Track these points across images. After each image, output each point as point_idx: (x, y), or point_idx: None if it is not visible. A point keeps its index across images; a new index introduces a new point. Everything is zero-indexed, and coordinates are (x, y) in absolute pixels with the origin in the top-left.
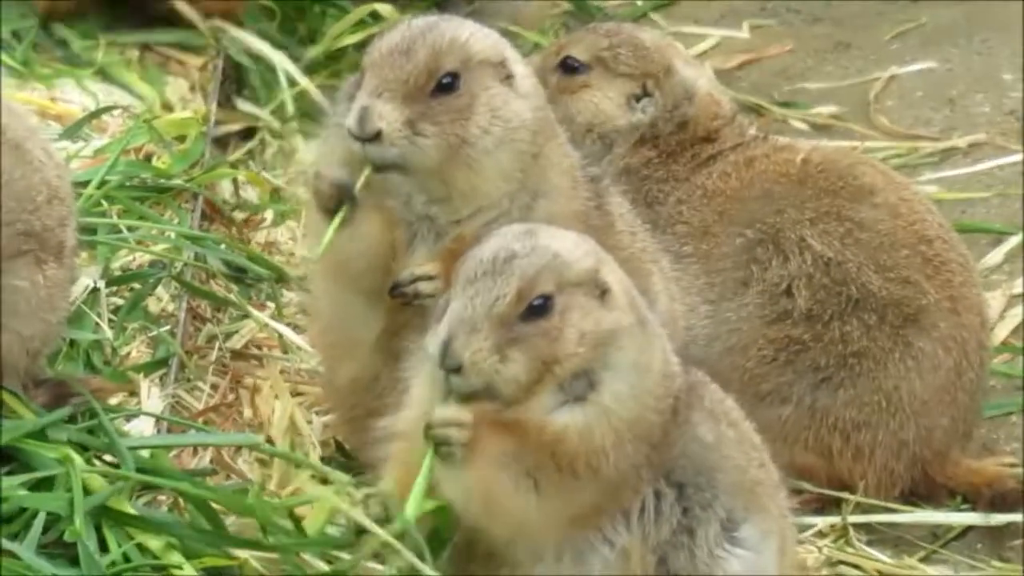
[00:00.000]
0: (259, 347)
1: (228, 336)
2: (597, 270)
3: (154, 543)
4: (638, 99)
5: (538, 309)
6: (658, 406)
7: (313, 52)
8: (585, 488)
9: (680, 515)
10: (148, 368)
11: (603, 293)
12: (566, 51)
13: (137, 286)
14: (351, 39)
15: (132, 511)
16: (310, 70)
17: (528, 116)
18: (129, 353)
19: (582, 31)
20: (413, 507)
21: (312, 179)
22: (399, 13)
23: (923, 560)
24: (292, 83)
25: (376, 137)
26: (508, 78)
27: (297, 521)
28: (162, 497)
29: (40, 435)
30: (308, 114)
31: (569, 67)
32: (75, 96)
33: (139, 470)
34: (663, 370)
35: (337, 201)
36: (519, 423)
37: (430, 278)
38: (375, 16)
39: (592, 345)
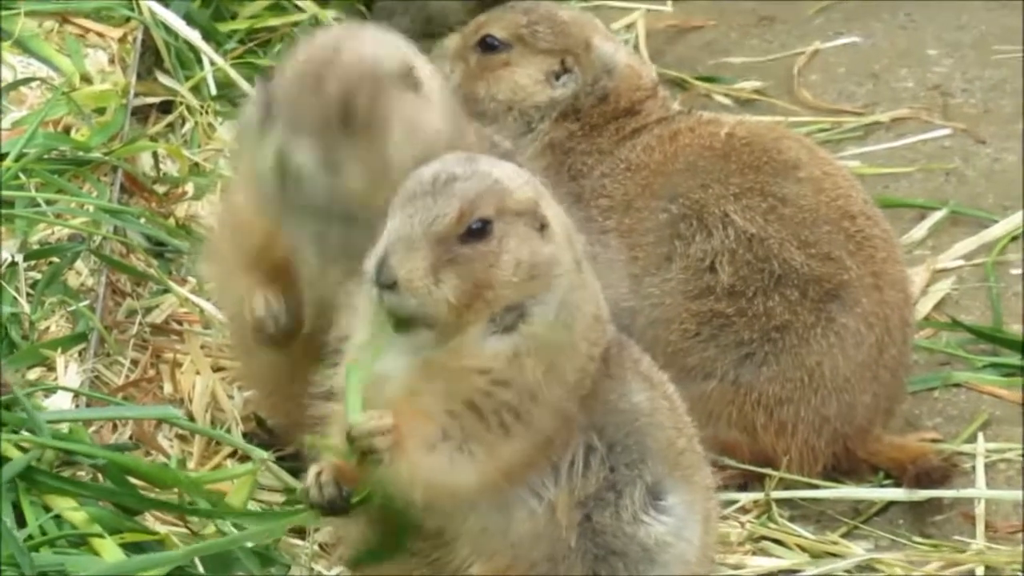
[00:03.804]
0: (180, 322)
1: (148, 311)
2: (537, 202)
3: (74, 516)
4: (558, 76)
5: (477, 232)
6: (591, 351)
7: (230, 29)
8: (517, 438)
9: (608, 472)
10: (67, 343)
11: (542, 227)
12: (485, 30)
13: (56, 260)
14: (272, 20)
15: (51, 478)
16: (229, 48)
17: (441, 127)
18: (48, 328)
19: (500, 9)
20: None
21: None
22: (314, 2)
23: (845, 535)
24: (212, 61)
25: (298, 179)
26: (415, 86)
27: (218, 497)
28: (81, 474)
29: None
30: (225, 92)
31: (489, 45)
32: None
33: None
34: (595, 313)
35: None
36: (452, 370)
37: None
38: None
39: (527, 275)
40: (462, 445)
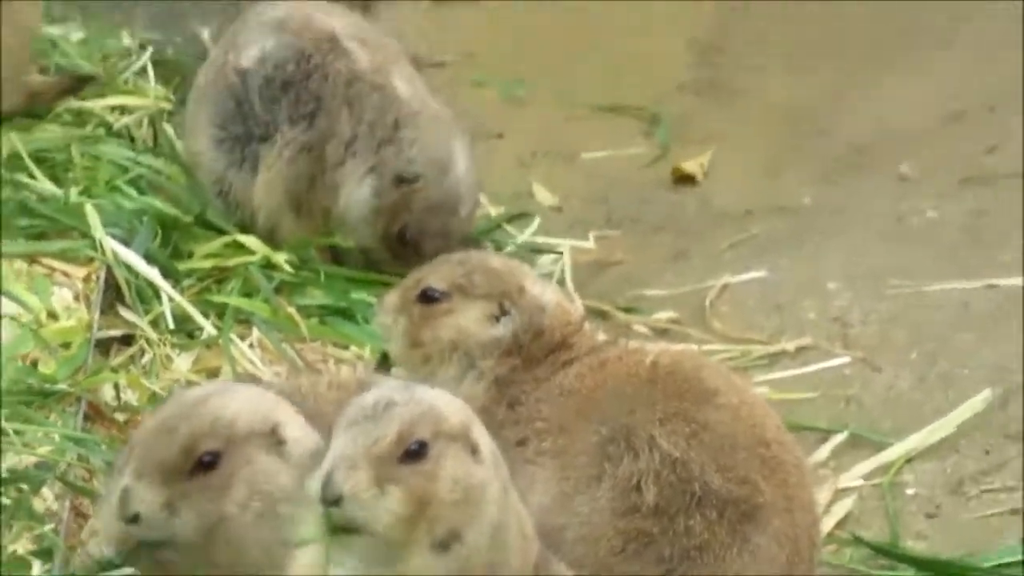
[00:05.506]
0: None
1: None
2: (470, 427)
3: None
4: (498, 318)
5: (415, 453)
6: (523, 568)
7: (188, 268)
8: None
9: None
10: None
11: (474, 451)
12: (425, 283)
13: (24, 487)
14: (227, 260)
15: None
16: (187, 285)
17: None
18: (15, 551)
19: (436, 262)
20: None
21: None
22: (265, 245)
23: None
24: (170, 297)
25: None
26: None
27: None
28: None
29: None
30: (183, 326)
31: (429, 297)
32: None
33: None
34: (521, 531)
35: None
36: None
37: None
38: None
39: (463, 496)
40: None
